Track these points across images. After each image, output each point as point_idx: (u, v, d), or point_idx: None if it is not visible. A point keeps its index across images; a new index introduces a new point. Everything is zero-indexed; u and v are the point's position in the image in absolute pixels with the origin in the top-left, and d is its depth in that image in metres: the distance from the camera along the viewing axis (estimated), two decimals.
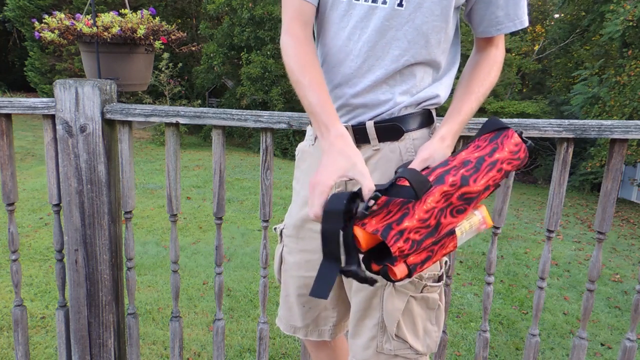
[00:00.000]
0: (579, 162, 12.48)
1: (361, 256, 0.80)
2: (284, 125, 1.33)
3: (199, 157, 9.27)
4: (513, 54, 16.65)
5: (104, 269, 1.44)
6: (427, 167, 0.88)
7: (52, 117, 1.38)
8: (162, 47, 2.23)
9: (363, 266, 0.78)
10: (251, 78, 13.06)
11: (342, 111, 0.98)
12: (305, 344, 1.29)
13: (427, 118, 0.99)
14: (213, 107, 7.93)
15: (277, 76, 12.90)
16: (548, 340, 3.05)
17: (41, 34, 2.13)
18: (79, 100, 1.33)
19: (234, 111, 1.35)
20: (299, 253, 1.11)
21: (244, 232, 4.76)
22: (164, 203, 4.79)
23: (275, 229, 1.18)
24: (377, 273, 0.83)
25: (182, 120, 1.36)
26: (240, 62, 13.85)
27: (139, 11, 2.22)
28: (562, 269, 4.76)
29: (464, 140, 1.30)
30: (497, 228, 1.38)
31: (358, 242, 0.77)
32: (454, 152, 0.90)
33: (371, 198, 0.75)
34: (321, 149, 0.86)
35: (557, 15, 17.43)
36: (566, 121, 1.28)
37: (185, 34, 2.48)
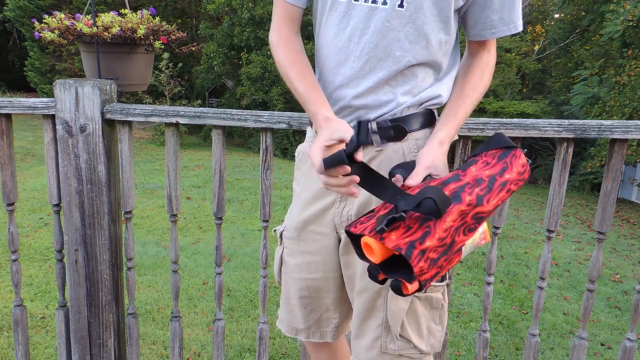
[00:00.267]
0: (579, 162, 12.48)
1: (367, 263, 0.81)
2: (284, 125, 1.33)
3: (199, 157, 9.27)
4: (513, 54, 16.63)
5: (104, 269, 1.44)
6: (429, 175, 0.88)
7: (52, 117, 1.38)
8: (162, 47, 2.23)
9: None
10: (251, 78, 13.05)
11: (343, 112, 0.98)
12: (305, 344, 1.29)
13: (430, 118, 0.99)
14: (213, 107, 7.93)
15: (277, 76, 12.87)
16: (548, 340, 3.05)
17: (41, 34, 2.12)
18: (79, 100, 1.33)
19: (234, 111, 1.35)
20: (301, 255, 1.10)
21: (244, 232, 4.76)
22: (164, 203, 4.79)
23: (275, 230, 1.17)
24: (381, 282, 0.83)
25: (182, 120, 1.36)
26: (240, 62, 13.84)
27: (139, 11, 2.21)
28: (562, 269, 4.76)
29: (463, 141, 1.30)
30: (497, 228, 1.38)
31: (372, 254, 0.78)
32: (464, 164, 0.89)
33: (397, 219, 0.75)
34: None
35: (557, 15, 17.41)
36: (566, 121, 1.27)
37: (185, 34, 2.48)
